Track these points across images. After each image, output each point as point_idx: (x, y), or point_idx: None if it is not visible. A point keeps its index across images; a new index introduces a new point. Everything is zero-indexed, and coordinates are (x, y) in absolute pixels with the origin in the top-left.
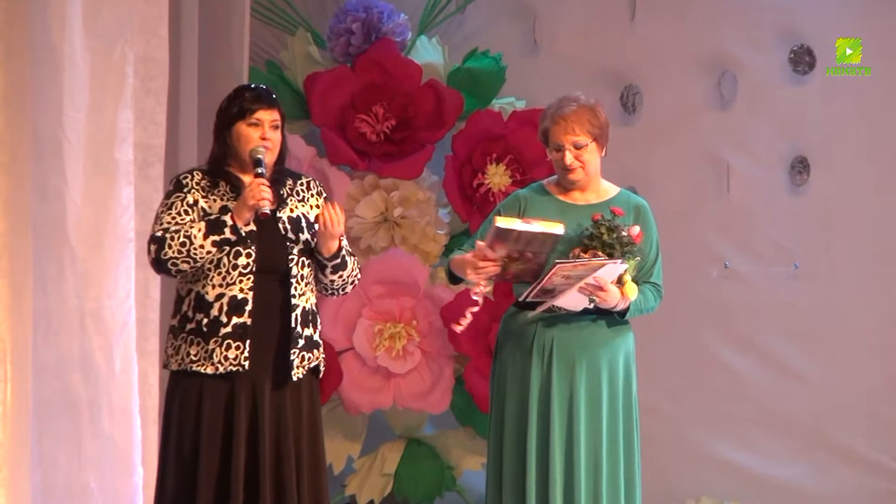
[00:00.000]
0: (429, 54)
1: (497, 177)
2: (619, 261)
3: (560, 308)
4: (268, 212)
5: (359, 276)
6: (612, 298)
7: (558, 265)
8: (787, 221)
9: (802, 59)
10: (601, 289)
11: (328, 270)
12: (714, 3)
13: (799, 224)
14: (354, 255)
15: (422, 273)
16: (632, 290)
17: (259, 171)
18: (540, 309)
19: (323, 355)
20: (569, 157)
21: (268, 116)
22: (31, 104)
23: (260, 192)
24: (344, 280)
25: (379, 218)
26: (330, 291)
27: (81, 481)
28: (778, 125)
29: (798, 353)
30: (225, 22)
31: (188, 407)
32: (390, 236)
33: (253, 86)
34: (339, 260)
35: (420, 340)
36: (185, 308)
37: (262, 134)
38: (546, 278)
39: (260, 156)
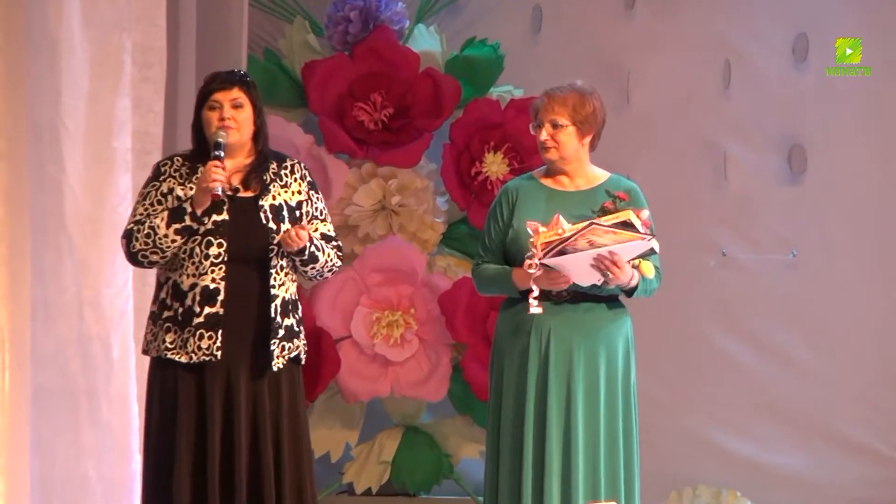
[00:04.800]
0: (426, 42)
1: (495, 165)
2: (650, 237)
3: (559, 294)
4: (219, 192)
5: (338, 263)
6: (625, 276)
7: (594, 225)
8: (785, 209)
9: (800, 47)
10: (616, 264)
11: (297, 263)
12: None
13: (797, 212)
14: (336, 242)
15: (420, 261)
16: (648, 269)
17: (216, 153)
18: (534, 294)
19: (304, 343)
20: (543, 134)
21: (225, 96)
22: (29, 92)
23: (212, 175)
24: (318, 270)
25: (377, 206)
26: (306, 279)
27: (80, 469)
28: (776, 113)
29: (796, 342)
30: (223, 10)
31: (166, 395)
32: (388, 224)
33: (219, 71)
34: (305, 256)
35: (418, 328)
36: (163, 295)
37: (220, 115)
38: (577, 235)
39: (220, 139)
